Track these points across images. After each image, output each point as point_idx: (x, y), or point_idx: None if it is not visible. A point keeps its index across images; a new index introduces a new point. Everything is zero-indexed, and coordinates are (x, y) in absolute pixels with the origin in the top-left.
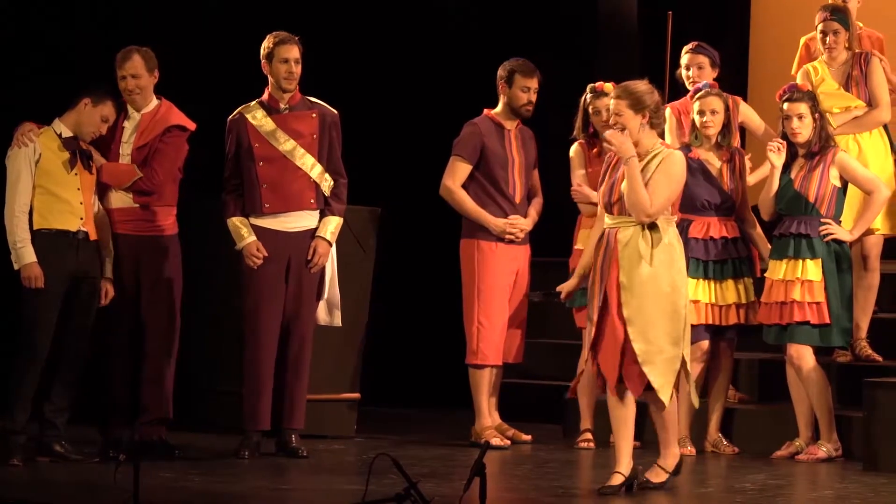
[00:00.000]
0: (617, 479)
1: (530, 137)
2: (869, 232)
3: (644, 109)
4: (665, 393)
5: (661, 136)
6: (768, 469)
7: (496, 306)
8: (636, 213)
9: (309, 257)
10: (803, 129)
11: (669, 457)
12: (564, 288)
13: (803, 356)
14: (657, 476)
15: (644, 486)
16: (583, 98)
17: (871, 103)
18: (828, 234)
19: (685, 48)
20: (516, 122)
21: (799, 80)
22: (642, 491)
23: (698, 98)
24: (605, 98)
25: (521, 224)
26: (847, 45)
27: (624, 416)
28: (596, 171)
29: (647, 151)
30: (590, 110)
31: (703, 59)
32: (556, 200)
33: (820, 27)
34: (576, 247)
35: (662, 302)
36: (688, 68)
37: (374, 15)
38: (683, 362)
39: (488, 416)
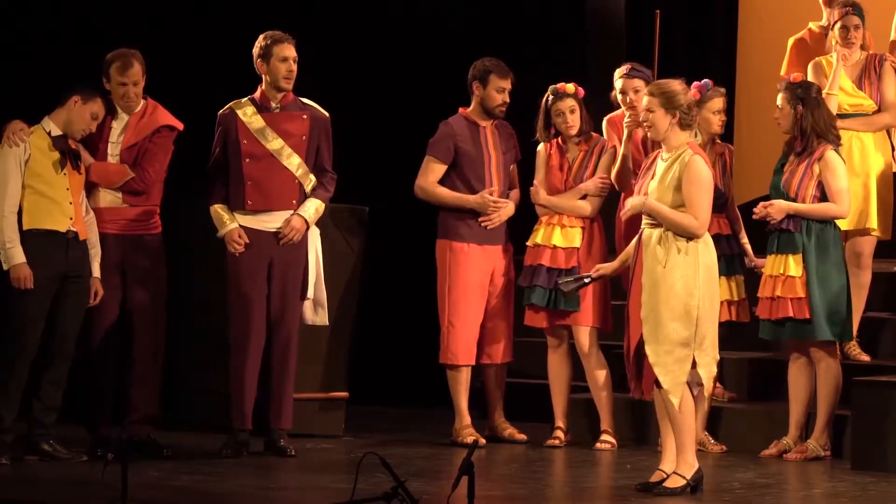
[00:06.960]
0: (656, 476)
1: (509, 134)
2: (864, 231)
3: (675, 109)
4: (675, 394)
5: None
6: (756, 468)
7: (467, 307)
8: (689, 235)
9: (283, 230)
10: (781, 120)
11: (682, 464)
12: (603, 268)
13: (825, 352)
14: (673, 482)
15: (660, 493)
16: (544, 99)
17: (880, 106)
18: (765, 215)
19: (618, 72)
20: (492, 119)
21: (810, 74)
22: (658, 497)
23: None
24: (567, 100)
25: (501, 202)
26: (861, 43)
27: (664, 415)
28: (556, 174)
29: (673, 150)
30: (552, 112)
31: (639, 83)
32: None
33: (840, 22)
34: (527, 243)
35: (673, 303)
36: (624, 93)
37: (357, 14)
38: (695, 364)
39: (466, 415)
